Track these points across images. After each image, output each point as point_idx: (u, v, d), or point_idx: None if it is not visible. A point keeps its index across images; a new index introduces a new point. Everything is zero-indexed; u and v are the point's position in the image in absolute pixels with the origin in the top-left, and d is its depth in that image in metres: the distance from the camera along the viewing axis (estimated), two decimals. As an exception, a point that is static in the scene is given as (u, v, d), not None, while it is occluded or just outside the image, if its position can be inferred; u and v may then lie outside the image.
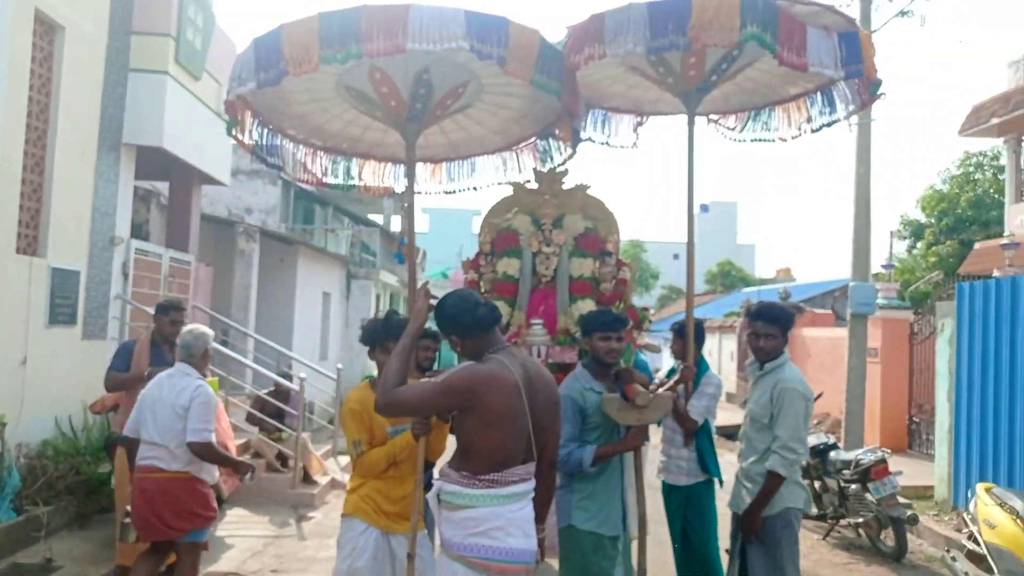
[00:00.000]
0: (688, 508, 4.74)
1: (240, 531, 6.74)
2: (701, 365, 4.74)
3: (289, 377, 9.00)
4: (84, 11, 7.39)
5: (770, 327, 4.00)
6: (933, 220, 21.93)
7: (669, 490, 4.85)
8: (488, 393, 2.74)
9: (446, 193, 5.35)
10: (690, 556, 4.77)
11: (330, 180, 5.02)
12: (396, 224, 24.96)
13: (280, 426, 8.40)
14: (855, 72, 3.98)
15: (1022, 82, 16.51)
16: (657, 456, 5.06)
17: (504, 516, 2.75)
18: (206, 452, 4.19)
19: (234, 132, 4.30)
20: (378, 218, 23.50)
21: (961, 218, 21.11)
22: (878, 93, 4.30)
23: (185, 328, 4.53)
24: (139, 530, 4.32)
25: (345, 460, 8.93)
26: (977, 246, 17.39)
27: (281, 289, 13.16)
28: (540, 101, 4.45)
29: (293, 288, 13.34)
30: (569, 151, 4.90)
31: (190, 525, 4.25)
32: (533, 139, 5.00)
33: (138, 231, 9.99)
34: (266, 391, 8.68)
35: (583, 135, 5.02)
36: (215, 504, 4.48)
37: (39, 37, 6.86)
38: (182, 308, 5.50)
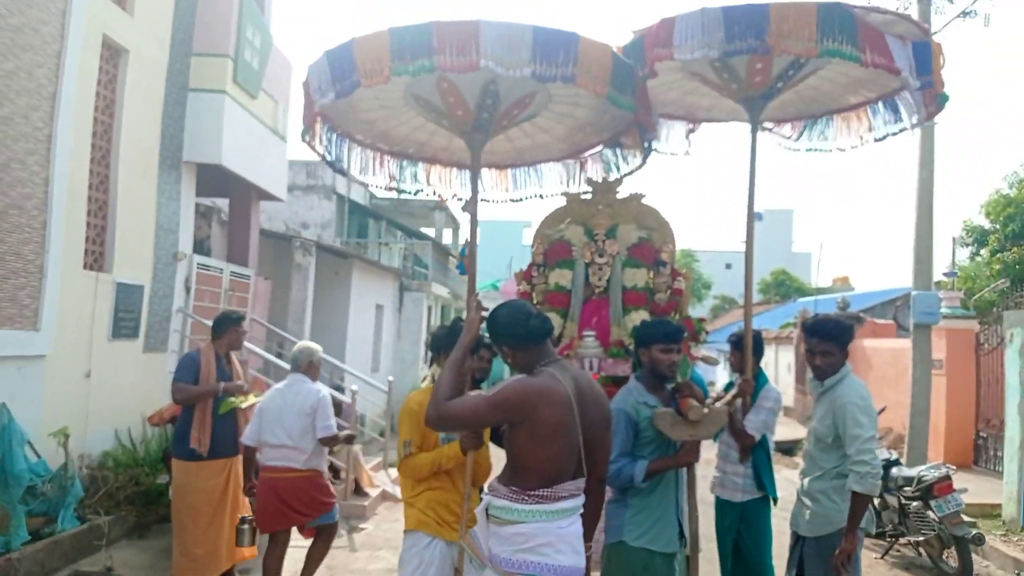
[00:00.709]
0: (742, 525, 4.60)
1: (291, 542, 6.81)
2: (759, 378, 4.59)
3: (341, 389, 9.13)
4: (147, 35, 7.66)
5: (825, 343, 3.91)
6: (998, 226, 21.13)
7: (723, 506, 4.71)
8: (540, 407, 2.71)
9: (512, 201, 5.34)
10: (743, 574, 4.65)
11: (397, 185, 5.10)
12: (447, 237, 25.20)
13: (334, 438, 8.49)
14: (926, 83, 3.89)
15: (1093, 82, 15.86)
16: (710, 471, 4.96)
17: (553, 532, 2.72)
18: (332, 442, 5.12)
19: (307, 139, 4.40)
20: (430, 231, 23.73)
21: (1028, 223, 20.29)
22: (943, 104, 4.17)
23: (296, 345, 5.36)
24: (265, 523, 5.05)
25: (396, 473, 8.99)
26: (1047, 253, 16.72)
27: (336, 302, 13.38)
28: (608, 112, 4.41)
29: (347, 301, 13.55)
30: (637, 162, 4.86)
31: (318, 513, 5.11)
32: (599, 148, 4.97)
33: (200, 246, 10.29)
34: (320, 403, 8.80)
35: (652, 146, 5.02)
36: (334, 491, 5.34)
37: (105, 61, 7.14)
38: (243, 318, 5.66)
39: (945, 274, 13.80)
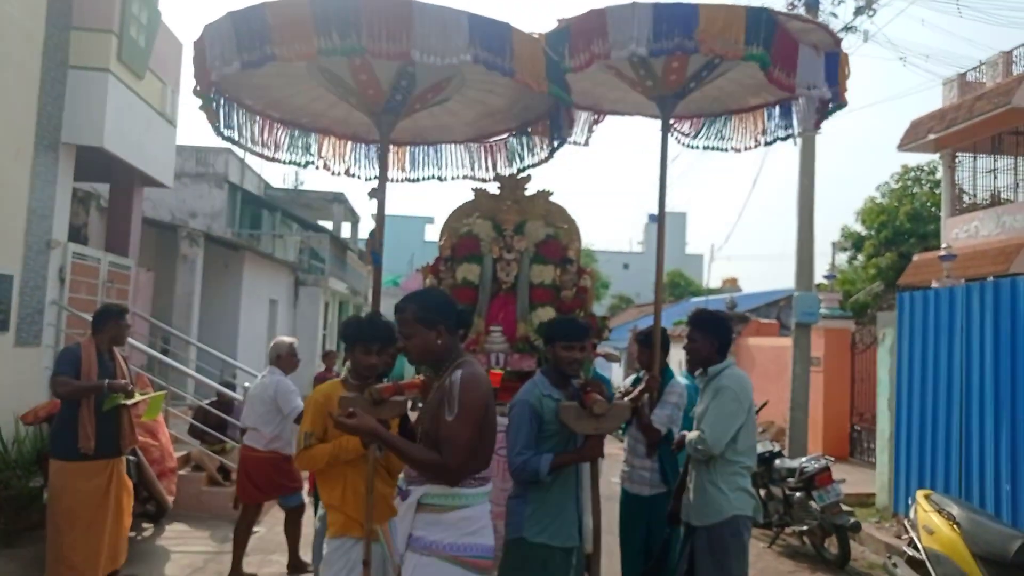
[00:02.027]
0: (651, 519, 4.66)
1: (181, 546, 6.51)
2: (666, 373, 4.67)
3: (233, 387, 8.76)
4: (18, 3, 7.09)
5: (692, 331, 4.10)
6: (873, 232, 22.61)
7: (631, 500, 4.76)
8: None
9: (408, 181, 5.10)
10: (652, 568, 4.72)
11: (287, 157, 4.78)
12: (346, 230, 24.67)
13: (223, 438, 8.16)
14: (833, 93, 4.04)
15: (956, 100, 17.16)
16: (616, 467, 5.01)
17: (486, 513, 2.90)
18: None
19: (205, 107, 4.07)
20: (328, 224, 23.15)
21: (899, 230, 21.83)
22: (834, 112, 4.35)
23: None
24: (239, 494, 5.79)
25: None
26: (916, 258, 17.98)
27: (226, 296, 12.85)
28: (521, 101, 4.34)
29: (239, 295, 13.05)
30: (544, 154, 4.77)
31: (277, 492, 5.80)
32: (504, 136, 4.87)
33: (76, 235, 9.63)
34: (208, 401, 8.44)
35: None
36: (300, 476, 5.76)
37: (-30, 30, 6.57)
38: (127, 311, 5.33)
39: (825, 277, 14.62)
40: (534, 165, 4.76)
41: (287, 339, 6.02)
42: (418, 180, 5.06)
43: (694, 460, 4.08)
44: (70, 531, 4.82)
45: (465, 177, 4.92)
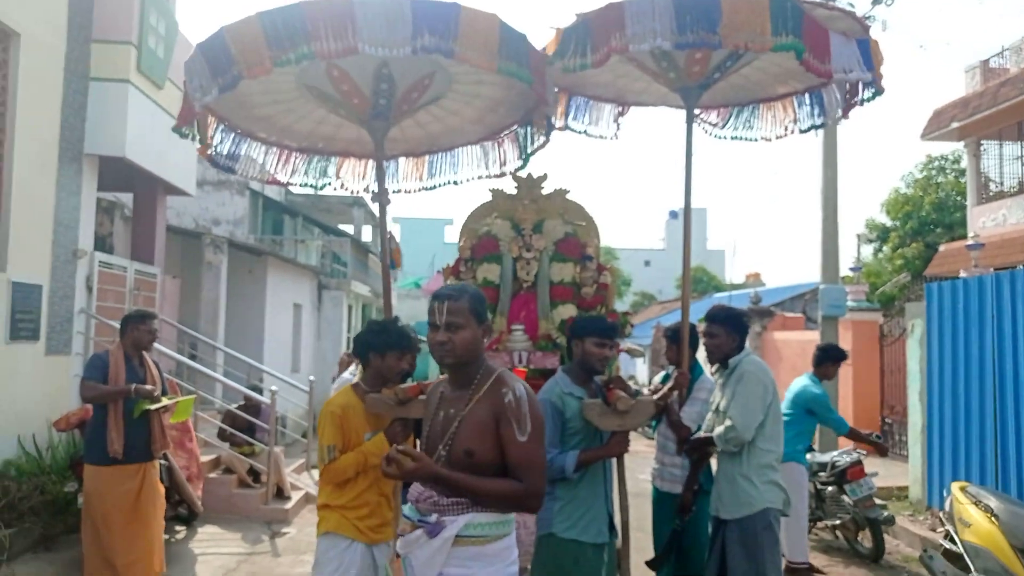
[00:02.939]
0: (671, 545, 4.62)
1: (213, 548, 6.57)
2: (695, 370, 4.62)
3: (260, 391, 8.83)
4: (40, 18, 7.19)
5: (712, 326, 4.12)
6: (898, 223, 22.33)
7: (663, 498, 4.72)
8: None
9: (427, 189, 5.14)
10: (683, 565, 4.68)
11: (303, 180, 4.87)
12: (367, 234, 24.77)
13: (252, 441, 8.23)
14: (872, 78, 3.97)
15: (979, 87, 16.89)
16: (637, 462, 4.99)
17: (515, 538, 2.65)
18: None
19: (192, 139, 4.17)
20: (348, 228, 23.28)
21: (925, 221, 21.54)
22: (872, 100, 4.25)
23: None
24: None
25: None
26: (942, 248, 17.73)
27: (251, 301, 12.95)
28: (514, 88, 4.29)
29: (263, 300, 13.14)
30: (541, 139, 4.71)
31: None
32: (514, 127, 4.84)
33: (102, 244, 9.76)
34: (236, 405, 8.51)
35: (560, 123, 4.92)
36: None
37: (-6, 44, 6.68)
38: (156, 316, 5.40)
39: (851, 269, 14.46)
40: (536, 151, 4.71)
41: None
42: (435, 188, 5.09)
43: (723, 453, 4.05)
44: (108, 534, 4.89)
45: (480, 177, 4.92)
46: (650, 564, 4.49)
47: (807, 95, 4.62)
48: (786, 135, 4.80)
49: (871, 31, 4.01)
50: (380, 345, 3.63)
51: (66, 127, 7.66)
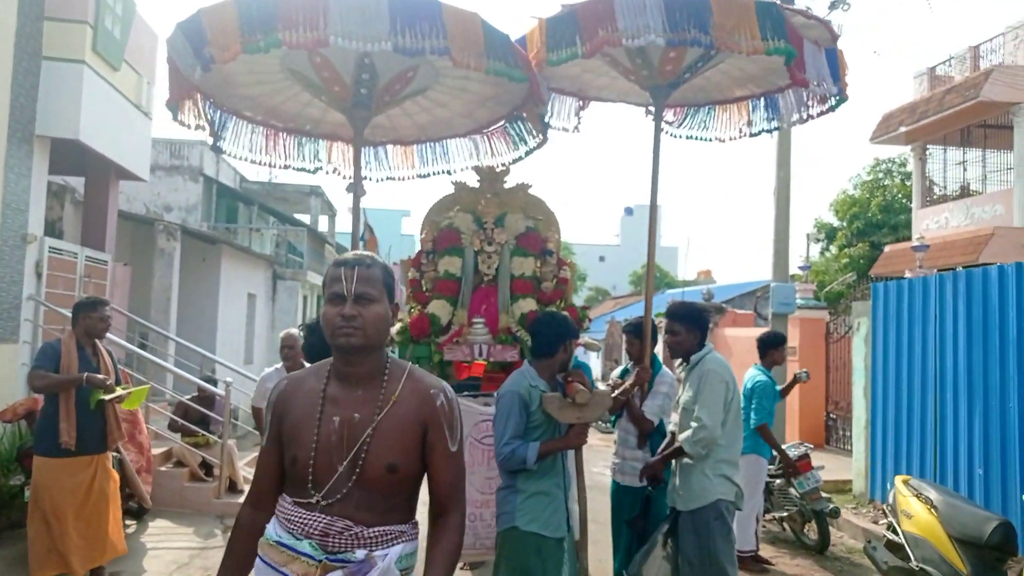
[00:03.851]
0: (644, 509, 4.67)
1: (164, 543, 6.48)
2: (654, 364, 4.73)
3: (213, 382, 8.71)
4: (-9, -6, 6.98)
5: (673, 324, 4.18)
6: (845, 223, 22.92)
7: (624, 491, 4.80)
8: None
9: (420, 176, 5.24)
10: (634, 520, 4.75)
11: (298, 164, 4.86)
12: (323, 224, 24.49)
13: (206, 432, 8.11)
14: (837, 88, 4.08)
15: (926, 94, 17.42)
16: (598, 457, 5.07)
17: None
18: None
19: (179, 119, 4.11)
20: (305, 217, 22.99)
21: (871, 222, 22.15)
22: (838, 107, 4.37)
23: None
24: None
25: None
26: (887, 249, 18.26)
27: (204, 290, 12.73)
28: (502, 84, 4.35)
29: (216, 289, 12.93)
30: (540, 139, 4.79)
31: None
32: (503, 123, 4.88)
33: (51, 228, 9.49)
34: (189, 397, 8.37)
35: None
36: None
37: (-59, 21, 6.45)
38: (108, 304, 5.30)
39: (800, 268, 14.82)
40: (535, 149, 4.78)
41: (291, 330, 5.94)
42: (428, 175, 5.13)
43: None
44: (58, 524, 4.80)
45: (452, 182, 4.97)
46: (630, 524, 4.56)
47: (762, 99, 4.75)
48: (739, 137, 4.93)
49: (837, 46, 4.14)
50: (312, 354, 3.67)
51: (16, 107, 7.43)
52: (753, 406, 6.07)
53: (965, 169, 17.35)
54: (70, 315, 5.23)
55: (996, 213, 15.55)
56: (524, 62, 3.74)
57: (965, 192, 17.08)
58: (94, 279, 8.96)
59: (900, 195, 22.50)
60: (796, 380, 6.80)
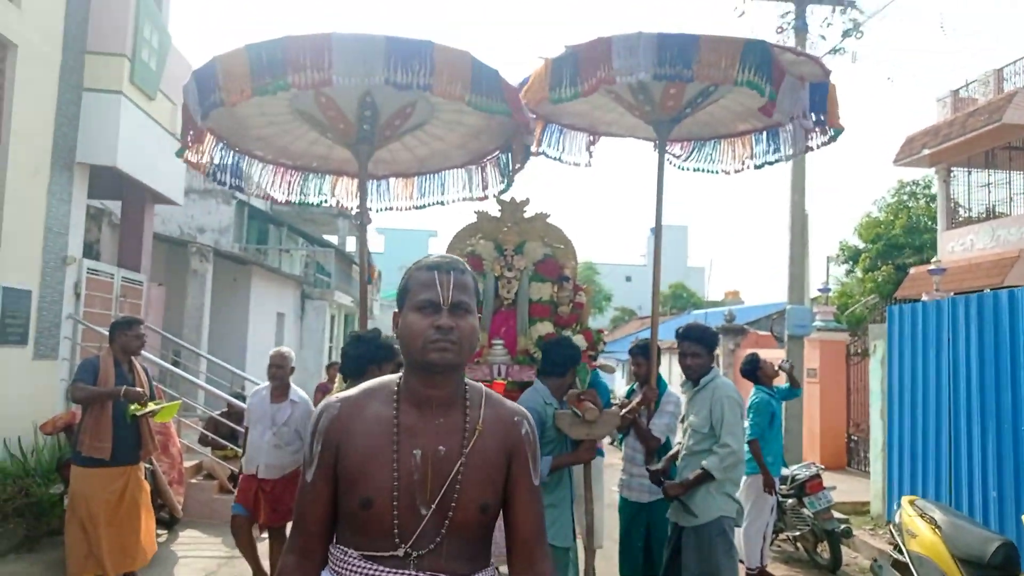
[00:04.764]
0: (651, 523, 4.85)
1: (193, 552, 6.73)
2: (659, 384, 4.91)
3: (242, 398, 8.98)
4: (37, 29, 7.39)
5: (694, 346, 4.30)
6: (869, 246, 22.83)
7: (630, 507, 4.95)
8: None
9: (416, 208, 5.49)
10: (652, 572, 4.91)
11: (302, 199, 5.16)
12: (351, 244, 24.90)
13: (234, 447, 8.37)
14: (820, 121, 4.27)
15: (949, 116, 17.42)
16: (615, 474, 5.22)
17: None
18: None
19: (185, 155, 4.44)
20: (333, 238, 23.42)
21: (896, 244, 22.04)
22: (837, 137, 4.57)
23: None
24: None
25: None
26: (912, 271, 18.19)
27: (235, 309, 13.10)
28: (494, 118, 4.58)
29: (247, 308, 13.30)
30: (519, 165, 5.04)
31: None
32: (496, 153, 5.15)
33: (89, 250, 9.90)
34: (219, 412, 8.66)
35: (537, 149, 5.22)
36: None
37: (-7, 55, 6.86)
38: (143, 323, 5.59)
39: (820, 289, 14.83)
40: (514, 175, 5.01)
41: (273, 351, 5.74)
42: (424, 207, 5.39)
43: (686, 467, 4.29)
44: (94, 530, 5.06)
45: (464, 199, 5.21)
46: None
47: (764, 133, 4.94)
48: (743, 169, 5.13)
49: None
50: (381, 358, 3.89)
51: (59, 136, 7.84)
52: (747, 423, 6.20)
53: (990, 191, 17.27)
54: (106, 333, 5.53)
55: (1022, 235, 15.47)
56: (512, 95, 4.00)
57: (990, 214, 16.99)
58: (130, 299, 9.32)
59: (925, 217, 22.39)
60: (782, 370, 7.09)
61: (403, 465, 1.67)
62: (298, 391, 5.61)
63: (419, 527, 1.65)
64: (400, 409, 1.73)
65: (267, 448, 5.30)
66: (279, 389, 5.46)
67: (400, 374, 1.79)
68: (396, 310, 1.80)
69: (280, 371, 5.46)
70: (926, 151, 17.09)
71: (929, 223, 21.49)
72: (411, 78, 3.55)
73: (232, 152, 4.77)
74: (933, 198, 20.94)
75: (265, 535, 5.59)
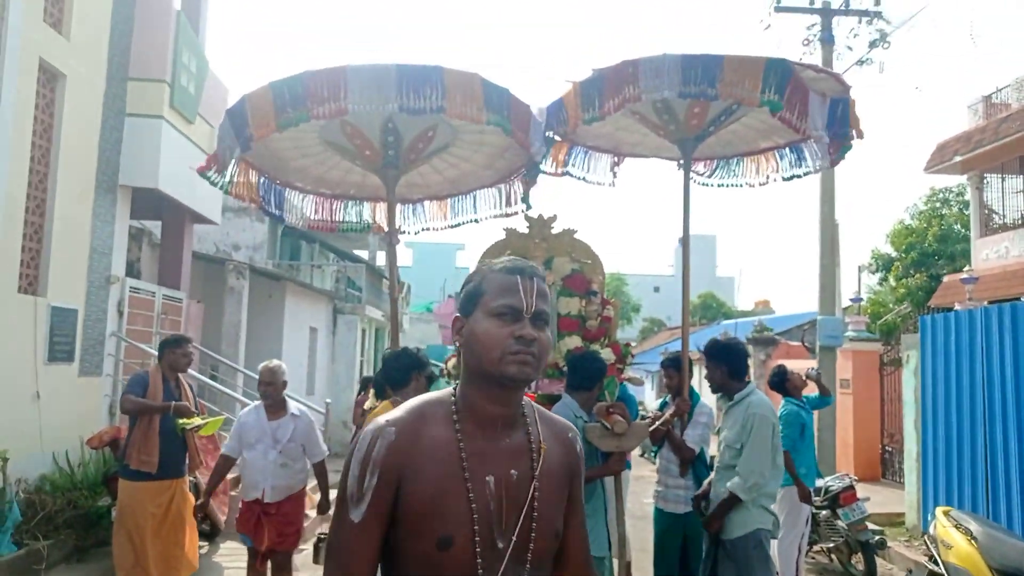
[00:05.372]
0: (687, 535, 4.89)
1: (235, 563, 6.88)
2: (692, 396, 4.97)
3: (279, 412, 9.16)
4: (84, 59, 7.69)
5: (712, 361, 4.39)
6: (901, 254, 22.55)
7: (666, 518, 4.99)
8: None
9: (451, 227, 5.68)
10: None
11: (349, 226, 5.39)
12: (381, 259, 25.21)
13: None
14: (843, 135, 4.35)
15: (981, 122, 17.23)
16: (650, 488, 5.27)
17: None
18: None
19: (231, 189, 4.68)
20: (363, 254, 23.76)
21: (928, 252, 21.75)
22: (845, 154, 4.65)
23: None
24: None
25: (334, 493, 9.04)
26: (946, 279, 17.95)
27: (269, 324, 13.35)
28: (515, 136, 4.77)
29: (281, 323, 13.55)
30: (530, 177, 5.16)
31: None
32: (522, 169, 5.29)
33: (130, 269, 10.20)
34: (257, 426, 8.84)
35: (561, 169, 5.34)
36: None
37: (42, 85, 7.15)
38: (191, 341, 5.79)
39: (852, 299, 14.73)
40: (528, 191, 5.16)
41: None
42: (458, 225, 5.57)
43: (721, 480, 4.34)
44: (141, 542, 5.24)
45: (496, 216, 5.34)
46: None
47: (787, 148, 5.02)
48: (768, 183, 5.20)
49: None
50: (418, 367, 4.06)
51: (103, 160, 8.13)
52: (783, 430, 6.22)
53: (1025, 197, 17.02)
54: (148, 350, 5.75)
55: (1058, 242, 15.23)
56: (518, 113, 4.15)
57: (1026, 221, 16.73)
58: (170, 316, 9.59)
59: (958, 224, 22.08)
60: (809, 379, 7.15)
61: (479, 495, 1.48)
62: (297, 404, 5.47)
63: (502, 564, 1.48)
64: (462, 430, 1.53)
65: (273, 468, 5.04)
66: (273, 406, 5.22)
67: (451, 390, 1.61)
68: (457, 314, 1.60)
69: (271, 387, 5.18)
70: (958, 158, 16.90)
71: (963, 231, 21.19)
72: (424, 102, 3.73)
73: (275, 185, 5.00)
74: (966, 205, 20.66)
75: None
